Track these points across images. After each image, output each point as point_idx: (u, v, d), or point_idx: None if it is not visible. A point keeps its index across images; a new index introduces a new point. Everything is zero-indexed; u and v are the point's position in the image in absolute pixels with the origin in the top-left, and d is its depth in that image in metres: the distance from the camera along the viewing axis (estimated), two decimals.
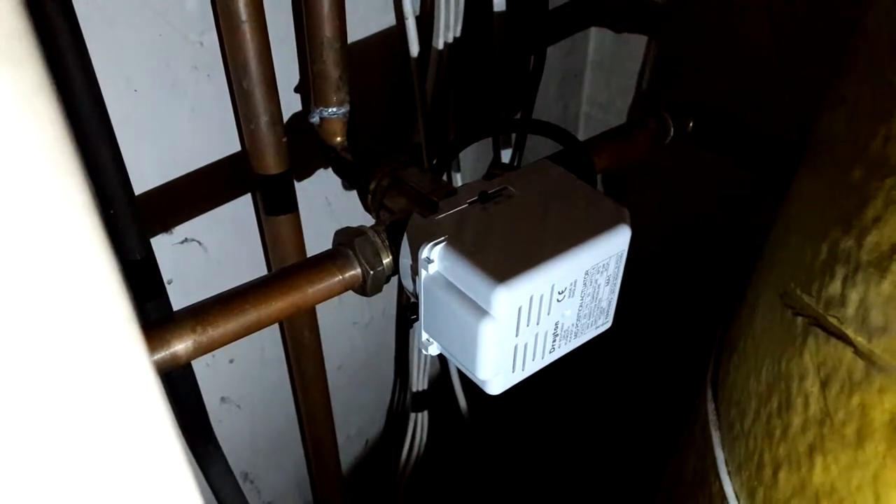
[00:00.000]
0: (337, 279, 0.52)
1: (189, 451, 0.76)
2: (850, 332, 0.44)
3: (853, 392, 0.44)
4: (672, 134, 0.72)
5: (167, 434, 0.20)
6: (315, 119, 0.69)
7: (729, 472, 0.58)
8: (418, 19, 0.77)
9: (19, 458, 0.16)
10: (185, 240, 0.74)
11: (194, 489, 0.23)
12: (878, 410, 0.43)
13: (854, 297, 0.43)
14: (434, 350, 0.51)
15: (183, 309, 0.48)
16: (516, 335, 0.46)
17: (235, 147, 0.73)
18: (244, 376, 0.89)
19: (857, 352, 0.44)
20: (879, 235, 0.41)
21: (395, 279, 0.54)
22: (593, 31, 1.15)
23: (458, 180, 0.95)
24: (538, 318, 0.47)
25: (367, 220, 0.59)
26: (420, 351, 1.00)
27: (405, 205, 0.57)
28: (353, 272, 0.52)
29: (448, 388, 1.12)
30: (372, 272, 0.52)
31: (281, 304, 0.50)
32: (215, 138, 0.71)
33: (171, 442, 0.20)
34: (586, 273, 0.48)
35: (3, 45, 0.13)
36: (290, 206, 0.73)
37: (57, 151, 0.14)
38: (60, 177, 0.14)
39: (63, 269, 0.15)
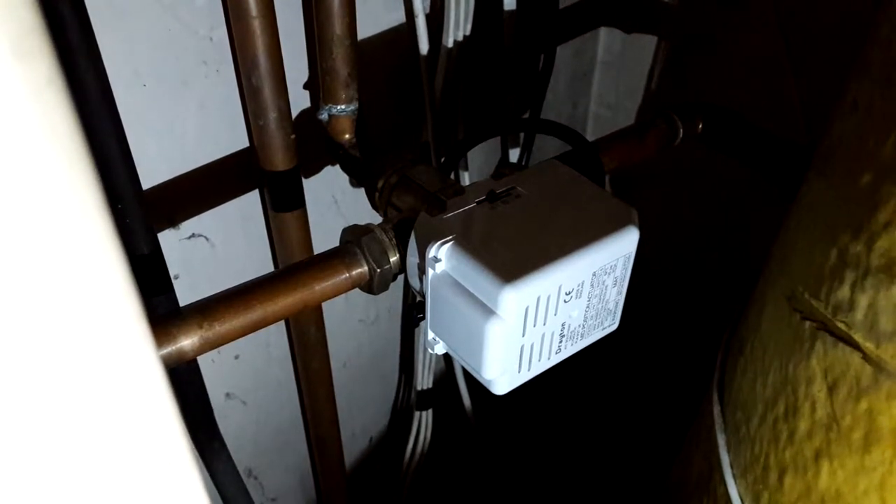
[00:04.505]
0: (344, 277, 0.52)
1: (193, 447, 0.76)
2: (858, 338, 0.44)
3: (860, 397, 0.44)
4: (681, 135, 0.71)
5: (174, 431, 0.20)
6: (324, 116, 0.69)
7: (734, 475, 0.58)
8: (428, 17, 0.77)
9: (27, 453, 0.16)
10: (193, 235, 0.74)
11: (200, 486, 0.23)
12: (886, 416, 0.42)
13: (863, 301, 0.43)
14: (440, 349, 0.51)
15: (189, 304, 0.48)
16: (523, 335, 0.46)
17: (243, 143, 0.73)
18: (249, 372, 0.90)
19: (866, 357, 0.43)
20: (889, 240, 0.41)
21: (401, 277, 0.54)
22: (603, 30, 1.14)
23: (465, 179, 0.94)
24: (545, 319, 0.47)
25: (375, 218, 0.59)
26: (426, 349, 1.00)
27: (413, 203, 0.57)
28: (360, 270, 0.52)
29: (453, 387, 1.12)
30: (379, 270, 0.52)
31: (287, 300, 0.50)
32: (223, 134, 0.71)
33: (178, 438, 0.20)
34: (594, 274, 0.48)
35: (16, 40, 0.13)
36: (297, 202, 0.73)
37: (69, 147, 0.14)
38: (71, 171, 0.14)
39: (74, 265, 0.15)
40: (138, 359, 0.17)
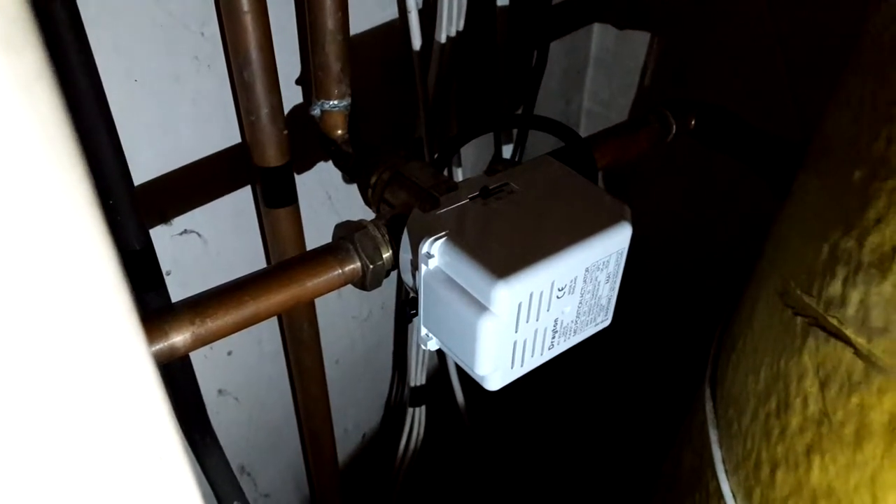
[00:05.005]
0: (336, 273, 0.51)
1: (186, 443, 0.75)
2: (850, 333, 0.44)
3: (852, 393, 0.44)
4: (674, 132, 0.71)
5: (166, 426, 0.20)
6: (316, 112, 0.69)
7: (726, 471, 0.58)
8: (421, 13, 0.77)
9: (15, 449, 0.16)
10: (185, 231, 0.73)
11: (192, 482, 0.22)
12: (877, 411, 0.43)
13: (854, 297, 0.43)
14: (433, 345, 0.51)
15: (181, 300, 0.48)
16: (515, 331, 0.46)
17: (236, 139, 0.72)
18: (242, 369, 0.89)
19: (857, 352, 0.43)
20: (881, 236, 0.41)
21: (394, 274, 0.54)
22: (596, 27, 1.14)
23: (459, 175, 0.94)
24: (538, 315, 0.47)
25: (368, 214, 0.58)
26: (419, 346, 1.00)
27: (406, 199, 0.57)
28: (352, 266, 0.52)
29: (446, 383, 1.12)
30: (372, 266, 0.52)
31: (280, 297, 0.50)
32: (215, 130, 0.71)
33: (169, 434, 0.20)
34: (587, 270, 0.48)
35: (2, 32, 0.13)
36: (289, 198, 0.73)
37: (57, 140, 0.14)
38: (60, 166, 0.14)
39: (62, 260, 0.15)
40: (128, 354, 0.17)
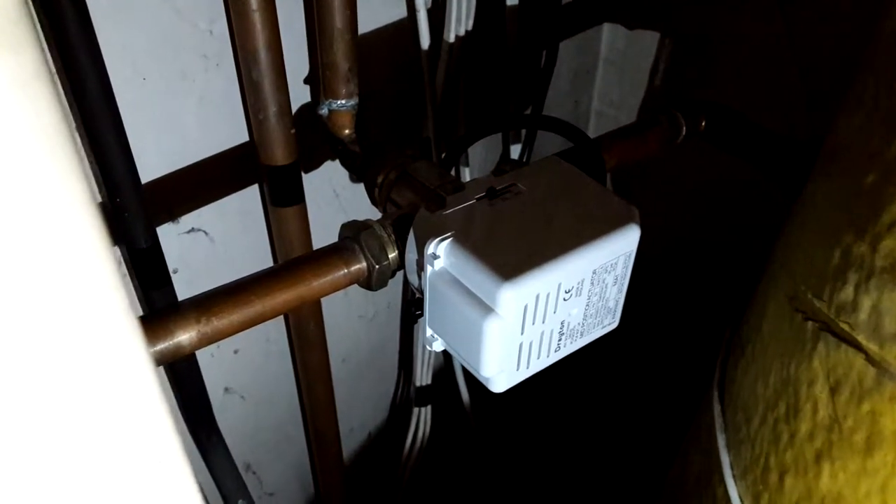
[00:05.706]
0: (342, 273, 0.51)
1: (192, 441, 0.75)
2: (861, 339, 0.43)
3: (863, 399, 0.43)
4: (684, 133, 0.71)
5: (164, 427, 0.20)
6: (324, 111, 0.68)
7: (734, 476, 0.57)
8: (430, 12, 0.77)
9: (10, 451, 0.16)
10: (192, 229, 0.73)
11: (192, 484, 0.22)
12: (889, 418, 0.42)
13: (867, 303, 0.43)
14: (438, 346, 0.51)
15: (188, 299, 0.48)
16: (521, 333, 0.46)
17: (243, 137, 0.72)
18: (248, 367, 0.89)
19: (869, 358, 0.43)
20: (894, 241, 0.41)
21: (400, 274, 0.53)
22: (606, 27, 1.14)
23: (466, 175, 0.94)
24: (544, 317, 0.46)
25: (375, 214, 0.58)
26: (424, 346, 0.99)
27: (412, 199, 0.57)
28: (358, 266, 0.52)
29: (451, 383, 1.12)
30: (377, 266, 0.51)
31: (286, 296, 0.50)
32: (223, 128, 0.70)
33: (168, 436, 0.20)
34: (594, 272, 0.47)
35: (0, 31, 0.13)
36: (296, 197, 0.73)
37: (55, 138, 0.14)
38: (57, 163, 0.14)
39: (57, 259, 0.14)
40: (124, 354, 0.17)
